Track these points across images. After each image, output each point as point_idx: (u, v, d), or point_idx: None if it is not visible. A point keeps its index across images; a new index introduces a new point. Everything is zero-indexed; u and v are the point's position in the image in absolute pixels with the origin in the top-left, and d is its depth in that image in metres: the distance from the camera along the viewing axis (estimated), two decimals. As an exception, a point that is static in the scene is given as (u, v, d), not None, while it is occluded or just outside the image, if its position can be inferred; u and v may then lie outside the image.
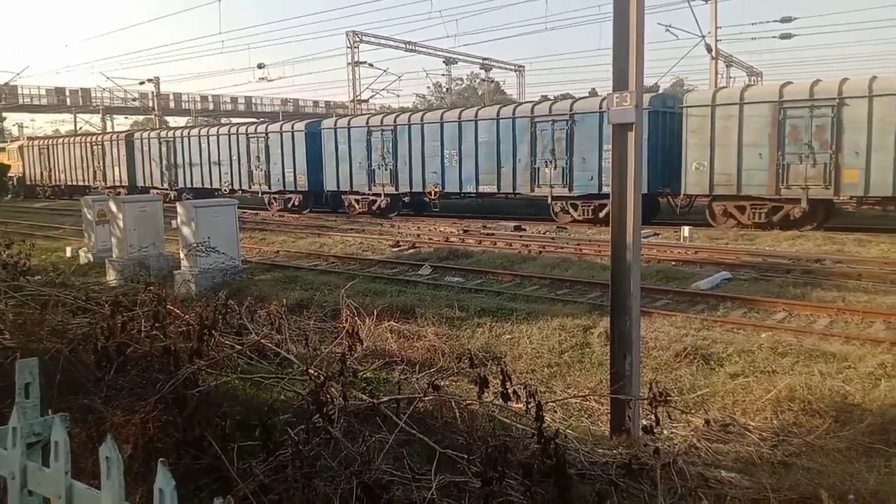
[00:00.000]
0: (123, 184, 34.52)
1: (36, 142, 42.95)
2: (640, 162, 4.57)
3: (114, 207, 12.67)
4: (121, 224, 12.36)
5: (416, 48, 41.74)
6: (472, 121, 22.26)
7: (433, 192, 23.30)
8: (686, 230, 16.71)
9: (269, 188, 27.97)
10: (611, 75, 4.54)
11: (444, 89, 59.45)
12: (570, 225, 20.41)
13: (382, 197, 24.67)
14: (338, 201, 26.59)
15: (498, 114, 21.94)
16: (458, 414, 3.90)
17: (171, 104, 64.03)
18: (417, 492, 3.03)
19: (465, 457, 3.25)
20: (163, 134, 33.83)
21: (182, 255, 11.24)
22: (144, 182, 33.61)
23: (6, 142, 50.44)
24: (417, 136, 23.37)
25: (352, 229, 20.46)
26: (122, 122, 69.35)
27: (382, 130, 24.34)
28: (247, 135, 28.81)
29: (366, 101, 42.24)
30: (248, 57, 59.56)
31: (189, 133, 31.92)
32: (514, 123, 21.28)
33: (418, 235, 18.59)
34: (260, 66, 43.97)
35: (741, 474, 3.93)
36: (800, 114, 16.79)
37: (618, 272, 4.56)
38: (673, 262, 13.09)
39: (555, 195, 20.87)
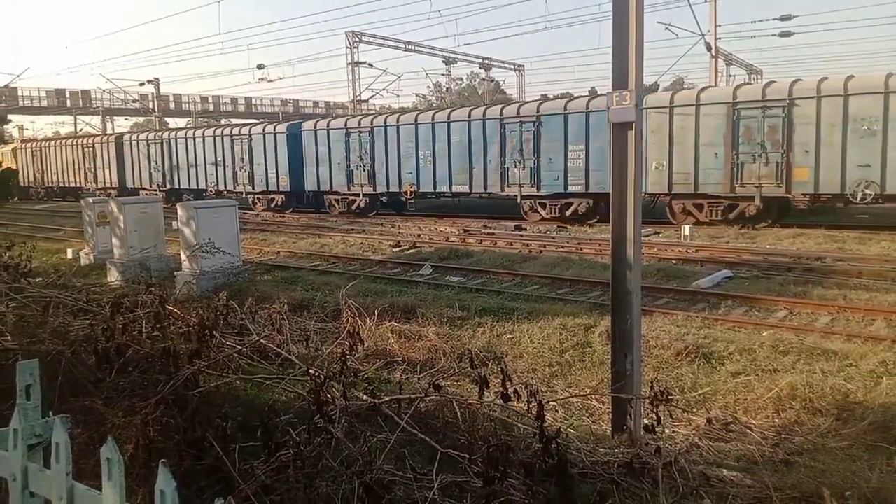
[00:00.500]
0: (114, 185, 35.01)
1: (29, 144, 43.33)
2: (640, 161, 4.56)
3: (114, 209, 12.68)
4: (121, 225, 12.37)
5: (416, 48, 41.75)
6: (444, 122, 22.86)
7: (409, 192, 23.92)
8: (686, 228, 16.73)
9: (253, 189, 28.61)
10: (610, 74, 4.53)
11: (444, 89, 59.44)
12: (540, 223, 21.03)
13: (361, 197, 25.26)
14: (319, 201, 27.21)
15: (469, 115, 22.60)
16: (459, 414, 3.90)
17: (172, 105, 64.07)
18: (419, 492, 3.03)
19: (467, 456, 3.25)
20: (151, 136, 34.42)
21: (183, 257, 11.24)
22: (134, 183, 34.12)
23: (4, 144, 50.63)
24: (393, 138, 24.00)
25: (352, 230, 20.48)
26: (122, 124, 69.45)
27: (360, 132, 24.97)
28: (231, 136, 29.43)
29: (366, 101, 42.25)
30: (247, 58, 59.34)
31: (177, 135, 32.58)
32: (485, 125, 21.92)
33: (419, 235, 18.60)
34: (260, 67, 44.08)
35: (743, 473, 3.93)
36: (753, 114, 17.33)
37: (618, 271, 4.56)
38: (674, 261, 13.08)
39: (524, 194, 21.55)
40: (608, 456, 3.74)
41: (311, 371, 4.19)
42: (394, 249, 15.99)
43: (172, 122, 64.19)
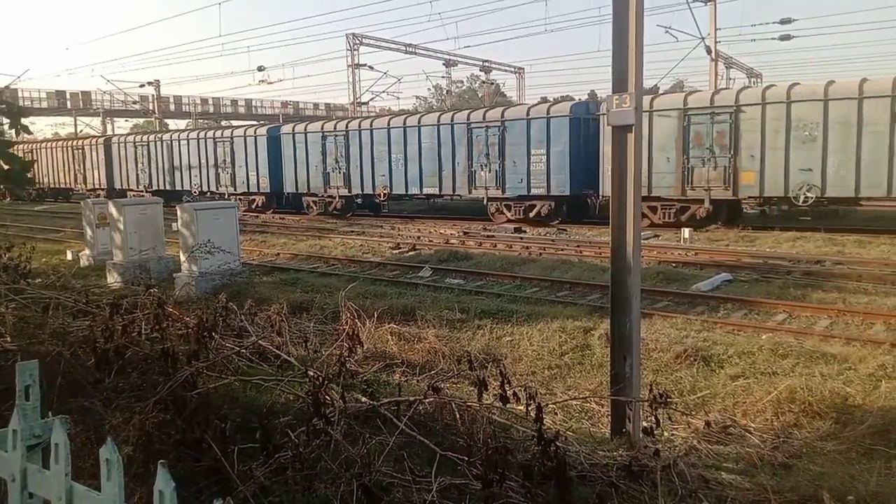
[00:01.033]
0: (102, 186, 35.46)
1: (21, 146, 43.50)
2: (640, 163, 4.57)
3: (114, 211, 12.67)
4: (121, 227, 12.36)
5: (417, 50, 41.77)
6: (415, 127, 23.66)
7: (382, 194, 24.60)
8: (686, 232, 16.74)
9: (235, 190, 29.20)
10: (610, 77, 4.53)
11: (445, 91, 59.51)
12: (506, 224, 21.55)
13: (337, 198, 25.88)
14: (298, 202, 27.92)
15: (438, 120, 23.41)
16: (458, 416, 3.89)
17: (172, 107, 64.07)
18: (418, 494, 3.03)
19: (466, 459, 3.25)
20: (138, 139, 35.04)
21: (182, 258, 11.24)
22: (121, 185, 34.61)
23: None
24: (367, 141, 24.85)
25: (352, 232, 20.49)
26: (122, 125, 69.48)
27: (335, 136, 25.86)
28: (214, 139, 30.11)
29: (366, 103, 42.28)
30: (248, 59, 59.65)
31: (161, 138, 33.22)
32: (453, 129, 22.69)
33: (418, 238, 18.62)
34: (260, 69, 44.00)
35: (742, 476, 3.93)
36: (702, 120, 18.17)
37: (618, 274, 4.55)
38: (673, 264, 13.09)
39: (490, 196, 22.31)
40: (607, 459, 3.74)
41: (310, 373, 4.18)
42: (393, 251, 16.00)
43: (173, 123, 64.18)
